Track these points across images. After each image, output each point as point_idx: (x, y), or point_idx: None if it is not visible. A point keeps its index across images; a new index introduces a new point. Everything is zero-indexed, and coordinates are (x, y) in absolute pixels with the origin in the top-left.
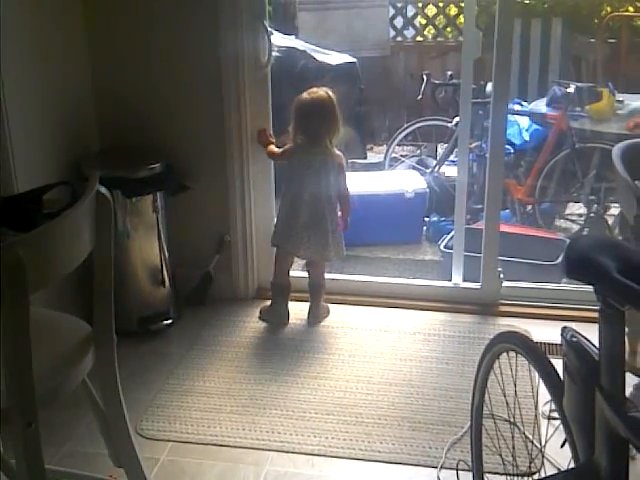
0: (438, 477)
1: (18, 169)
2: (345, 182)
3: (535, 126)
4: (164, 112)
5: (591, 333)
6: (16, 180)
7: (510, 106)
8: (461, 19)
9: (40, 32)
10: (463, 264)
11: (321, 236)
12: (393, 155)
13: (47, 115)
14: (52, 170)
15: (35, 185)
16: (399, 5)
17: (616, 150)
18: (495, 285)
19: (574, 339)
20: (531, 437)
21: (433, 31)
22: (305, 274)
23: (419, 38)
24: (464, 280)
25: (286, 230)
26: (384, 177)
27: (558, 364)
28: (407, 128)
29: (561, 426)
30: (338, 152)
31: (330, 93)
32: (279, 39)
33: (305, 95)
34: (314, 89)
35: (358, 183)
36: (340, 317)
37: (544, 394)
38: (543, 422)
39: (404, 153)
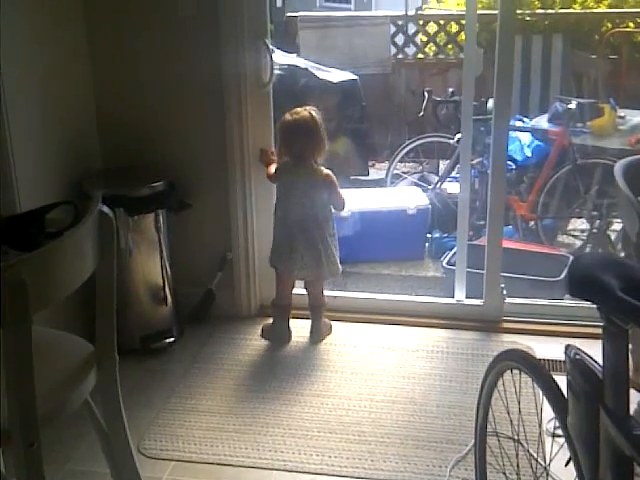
0: None
1: (21, 188)
2: (337, 198)
3: (537, 142)
4: (166, 130)
5: (595, 350)
6: (19, 199)
7: (511, 122)
8: (462, 36)
9: (43, 51)
10: (466, 280)
11: (313, 256)
12: (395, 172)
13: (50, 134)
14: (54, 189)
15: (38, 204)
16: (400, 23)
17: (618, 166)
18: (498, 301)
19: (578, 357)
20: (535, 455)
21: (434, 48)
22: (306, 292)
23: (420, 55)
24: (467, 297)
25: (280, 251)
26: (386, 194)
27: (562, 381)
28: (409, 145)
29: (565, 444)
30: (327, 170)
31: (313, 112)
32: (281, 57)
33: (287, 116)
34: (297, 109)
35: (360, 200)
36: (342, 334)
37: (548, 411)
38: (547, 440)
39: (406, 170)
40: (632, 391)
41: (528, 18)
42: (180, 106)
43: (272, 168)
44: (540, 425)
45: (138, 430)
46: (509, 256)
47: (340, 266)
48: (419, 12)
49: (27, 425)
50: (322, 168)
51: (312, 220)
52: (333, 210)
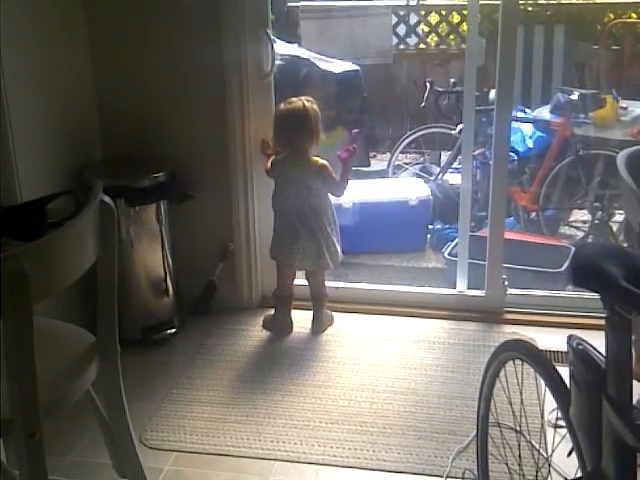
0: None
1: (22, 179)
2: (333, 184)
3: (539, 133)
4: (167, 121)
5: (597, 341)
6: (20, 190)
7: (513, 113)
8: (464, 27)
9: (44, 43)
10: (467, 271)
11: (313, 246)
12: (397, 163)
13: (51, 125)
14: (55, 180)
15: (39, 195)
16: (402, 13)
17: (621, 157)
18: (500, 292)
19: (580, 347)
20: (537, 446)
21: (436, 39)
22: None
23: (422, 46)
24: (469, 288)
25: (280, 242)
26: (388, 185)
27: (564, 372)
28: (410, 135)
29: (568, 435)
30: (323, 161)
31: (307, 103)
32: (282, 47)
33: (281, 106)
34: (292, 99)
35: (362, 191)
36: (344, 325)
37: (550, 402)
38: (549, 430)
39: (408, 161)
40: (635, 382)
41: (530, 8)
42: (181, 96)
43: (268, 163)
44: (542, 415)
45: (140, 421)
46: (511, 247)
47: (341, 255)
48: (421, 2)
49: (29, 415)
50: (318, 159)
51: (310, 211)
52: (333, 197)
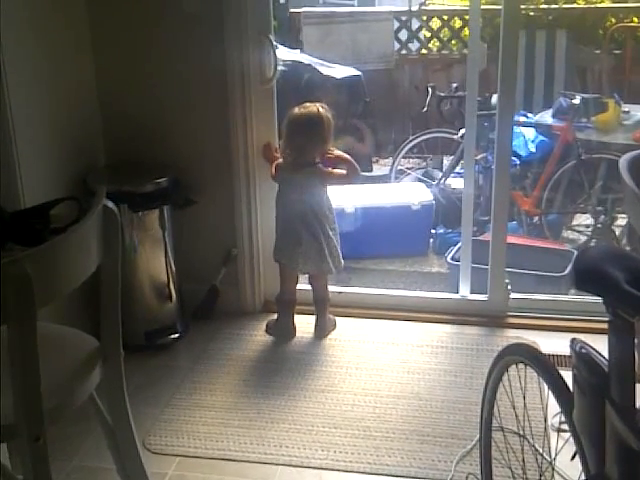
0: None
1: (25, 184)
2: (344, 181)
3: (541, 137)
4: (170, 126)
5: (600, 344)
6: (23, 195)
7: (515, 118)
8: (466, 31)
9: (47, 47)
10: (470, 276)
11: (316, 250)
12: (399, 167)
13: (54, 131)
14: (59, 185)
15: (42, 200)
16: (404, 18)
17: (623, 161)
18: (503, 297)
19: (583, 351)
20: (541, 450)
21: (438, 44)
22: (310, 287)
23: (424, 51)
24: (471, 292)
25: (283, 246)
26: (390, 190)
27: (567, 376)
28: (413, 140)
29: (571, 438)
30: (326, 169)
31: (322, 110)
32: (284, 53)
33: (295, 110)
34: (307, 104)
35: (364, 196)
36: (347, 330)
37: (554, 406)
38: (553, 434)
39: (410, 165)
40: (638, 386)
41: (532, 13)
42: (184, 102)
43: (273, 167)
44: (545, 419)
45: (143, 426)
46: (513, 251)
47: (342, 261)
48: (422, 7)
49: (33, 420)
50: (321, 166)
51: (312, 215)
52: (335, 199)
